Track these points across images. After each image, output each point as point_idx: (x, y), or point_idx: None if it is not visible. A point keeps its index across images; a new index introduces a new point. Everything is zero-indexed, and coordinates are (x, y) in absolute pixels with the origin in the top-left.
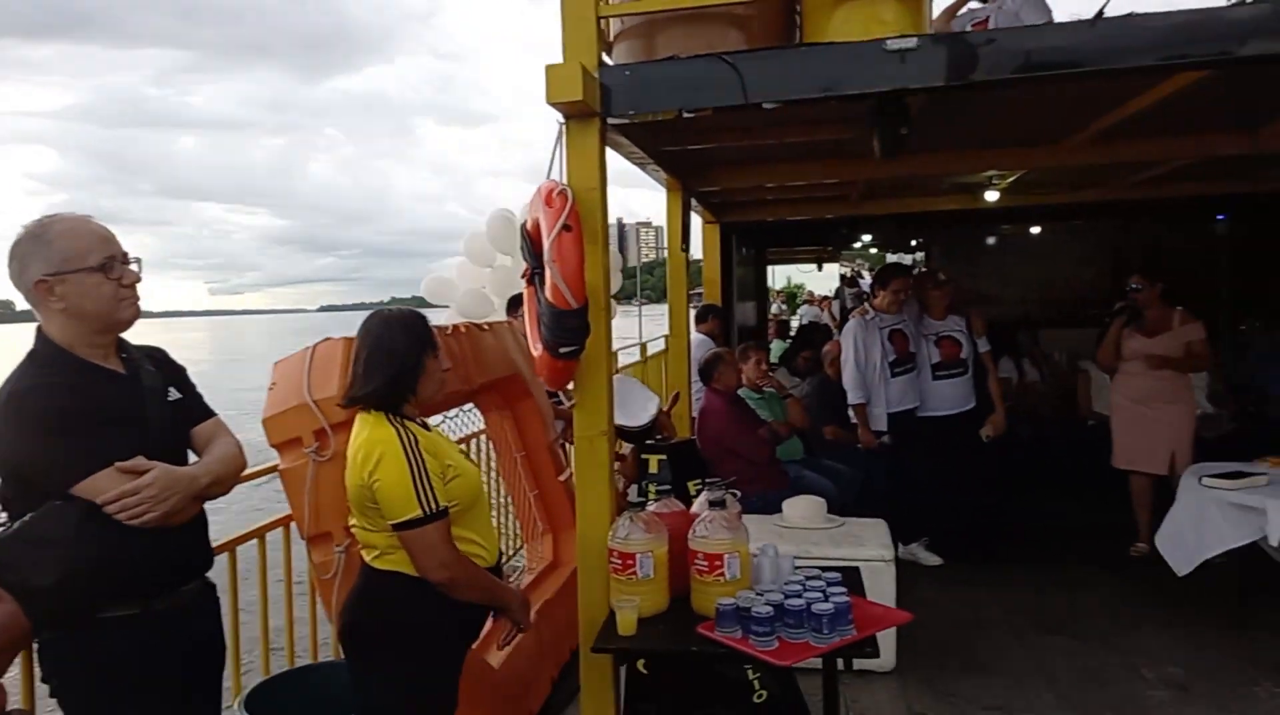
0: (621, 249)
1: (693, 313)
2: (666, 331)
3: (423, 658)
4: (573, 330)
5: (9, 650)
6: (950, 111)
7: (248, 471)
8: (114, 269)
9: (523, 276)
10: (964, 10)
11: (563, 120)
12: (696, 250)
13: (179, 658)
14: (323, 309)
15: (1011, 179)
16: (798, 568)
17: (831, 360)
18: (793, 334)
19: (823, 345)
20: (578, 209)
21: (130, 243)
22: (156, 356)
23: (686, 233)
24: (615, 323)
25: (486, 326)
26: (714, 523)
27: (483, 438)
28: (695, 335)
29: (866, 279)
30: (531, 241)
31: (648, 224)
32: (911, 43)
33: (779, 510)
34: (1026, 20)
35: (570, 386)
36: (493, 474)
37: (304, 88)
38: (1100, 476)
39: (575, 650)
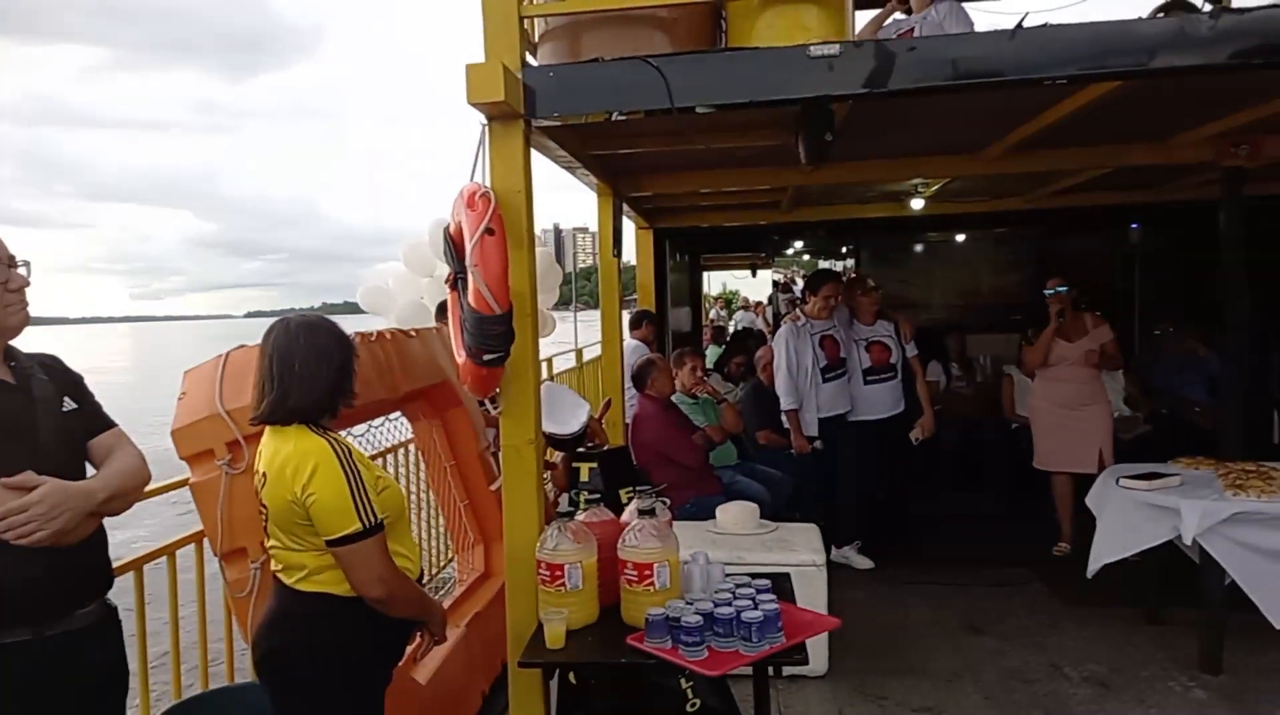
0: (559, 255)
1: (626, 318)
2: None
3: (350, 682)
4: (496, 336)
5: None
6: (874, 119)
7: (156, 486)
8: None
9: (447, 282)
10: (889, 21)
11: (485, 121)
12: (631, 256)
13: (75, 687)
14: (249, 315)
15: (936, 187)
16: (728, 575)
17: (764, 365)
18: (729, 339)
19: (755, 351)
20: (500, 212)
21: (48, 246)
22: (50, 364)
23: (618, 238)
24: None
25: (413, 333)
26: (644, 532)
27: (411, 447)
28: (629, 341)
29: (800, 285)
30: (454, 245)
31: (585, 229)
32: (835, 49)
33: (713, 516)
34: (950, 31)
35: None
36: (421, 484)
37: (230, 88)
38: (1024, 478)
39: (507, 663)
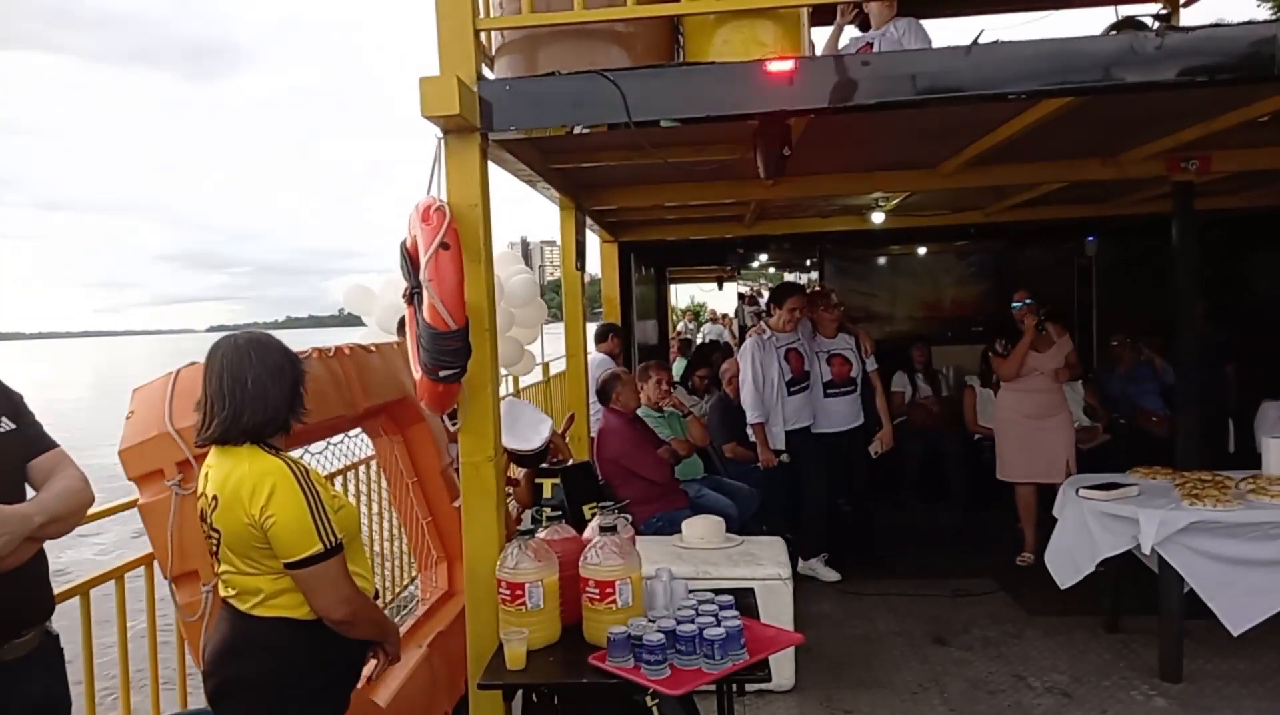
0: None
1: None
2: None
3: (310, 708)
4: (452, 352)
5: None
6: (831, 134)
7: (101, 507)
8: None
9: (404, 296)
10: (848, 39)
11: (441, 135)
12: (597, 268)
13: None
14: (212, 329)
15: (896, 201)
16: (691, 591)
17: (730, 378)
18: (694, 352)
19: (719, 364)
20: (457, 226)
21: (1, 257)
22: None
23: (581, 252)
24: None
25: (373, 347)
26: (605, 549)
27: (371, 464)
28: (594, 354)
29: (766, 298)
30: (410, 260)
31: (553, 243)
32: (789, 65)
33: (679, 530)
34: (909, 48)
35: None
36: (384, 501)
37: (192, 98)
38: (988, 488)
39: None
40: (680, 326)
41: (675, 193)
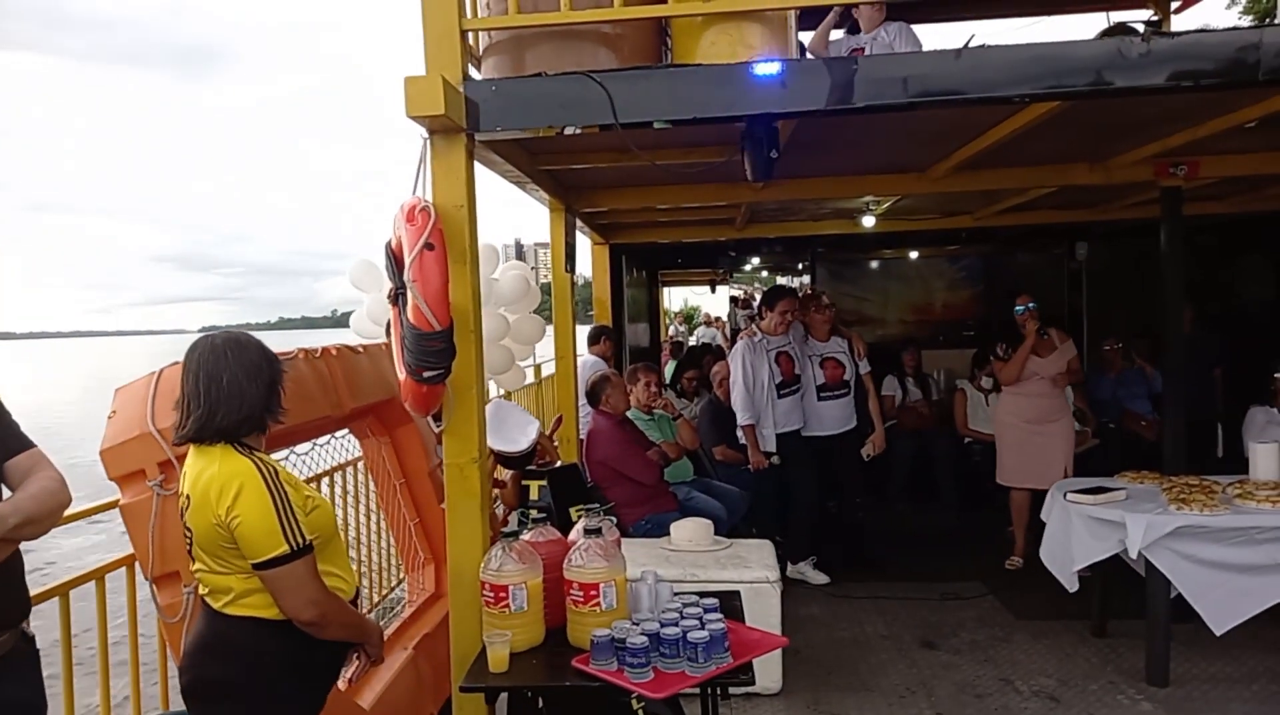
0: None
1: (584, 334)
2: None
3: (281, 708)
4: (436, 353)
5: None
6: (820, 137)
7: (79, 508)
8: None
9: (388, 297)
10: (835, 38)
11: (426, 135)
12: (588, 271)
13: None
14: (204, 330)
15: (886, 205)
16: (677, 594)
17: (720, 381)
18: (684, 355)
19: (709, 366)
20: (441, 227)
21: None
22: None
23: (571, 253)
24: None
25: (361, 348)
26: (590, 551)
27: (360, 465)
28: (586, 356)
29: (758, 301)
30: (394, 260)
31: (547, 244)
32: (776, 67)
33: (668, 533)
34: (900, 51)
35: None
36: (372, 502)
37: (183, 99)
38: (978, 491)
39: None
40: (672, 330)
41: (665, 195)
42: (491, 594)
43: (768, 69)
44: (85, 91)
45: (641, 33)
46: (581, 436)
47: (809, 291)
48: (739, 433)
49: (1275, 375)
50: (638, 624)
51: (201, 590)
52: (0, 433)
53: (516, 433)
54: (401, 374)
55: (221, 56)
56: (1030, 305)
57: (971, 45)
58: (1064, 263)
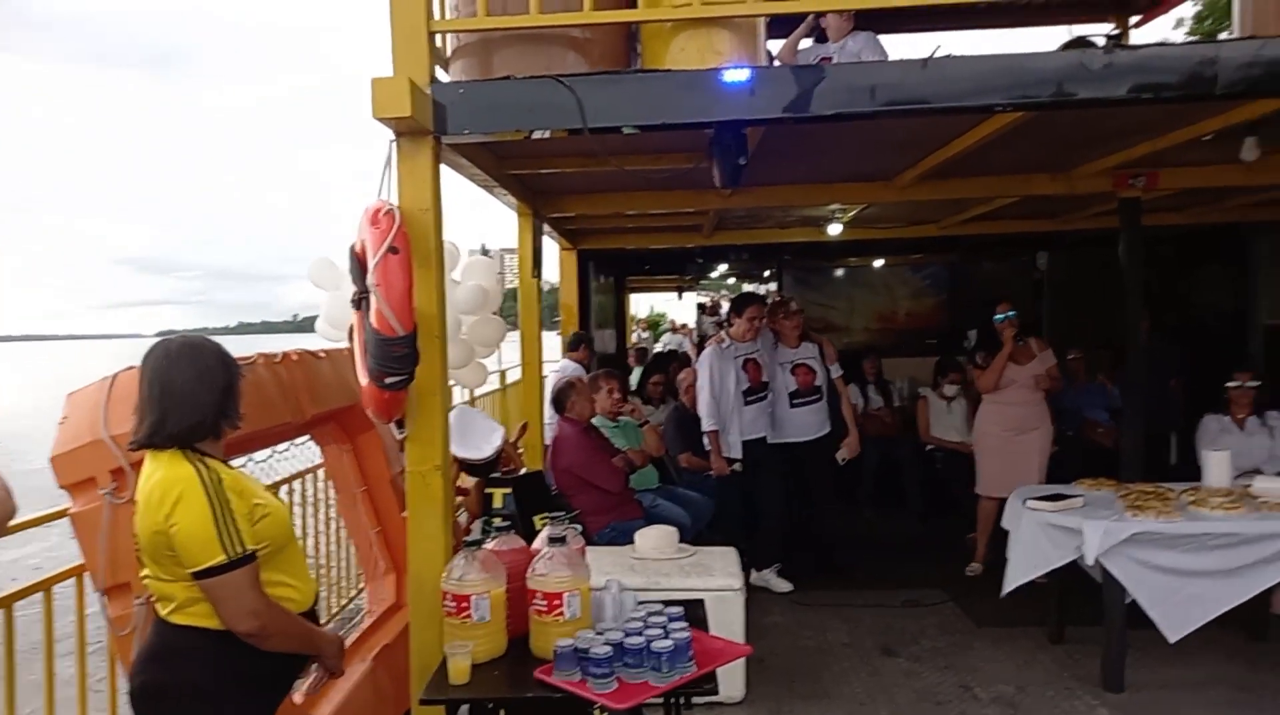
0: None
1: (556, 340)
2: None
3: None
4: (399, 358)
5: None
6: (788, 145)
7: (27, 517)
8: None
9: (351, 301)
10: (804, 46)
11: (393, 137)
12: (555, 276)
13: None
14: (160, 334)
15: (853, 213)
16: (641, 602)
17: (686, 388)
18: (649, 361)
19: (675, 373)
20: (406, 230)
21: None
22: None
23: (538, 259)
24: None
25: (323, 354)
26: (554, 560)
27: (319, 473)
28: (564, 362)
29: (726, 308)
30: (358, 264)
31: (514, 250)
32: (746, 74)
33: (633, 541)
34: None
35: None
36: (331, 510)
37: (149, 102)
38: (940, 499)
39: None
40: (635, 336)
41: (633, 201)
42: (454, 604)
43: (737, 75)
44: (43, 93)
45: (611, 37)
46: (547, 443)
47: (777, 298)
48: (705, 440)
49: (1227, 385)
50: (601, 634)
51: (152, 597)
52: None
53: (480, 440)
54: (364, 379)
55: (189, 57)
56: (1010, 313)
57: (937, 55)
58: (1027, 272)
